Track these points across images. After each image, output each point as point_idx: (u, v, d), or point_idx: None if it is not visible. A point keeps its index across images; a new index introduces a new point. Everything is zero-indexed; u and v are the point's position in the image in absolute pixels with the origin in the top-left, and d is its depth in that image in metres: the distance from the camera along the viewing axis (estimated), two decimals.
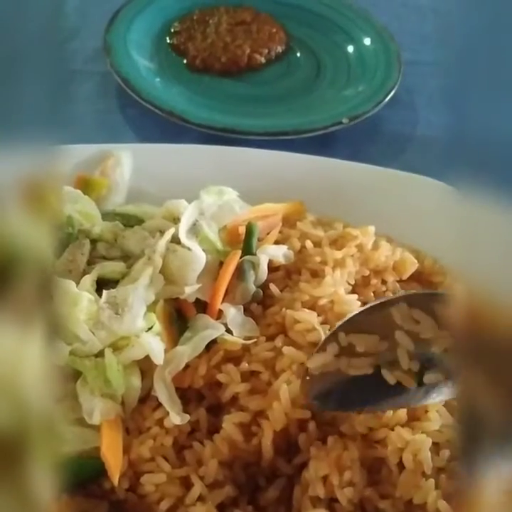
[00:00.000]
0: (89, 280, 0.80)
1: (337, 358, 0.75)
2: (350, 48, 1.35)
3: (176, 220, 0.90)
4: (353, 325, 0.75)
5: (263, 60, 1.33)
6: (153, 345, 0.75)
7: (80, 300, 0.75)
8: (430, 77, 1.39)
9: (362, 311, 0.77)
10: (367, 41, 1.35)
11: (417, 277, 0.95)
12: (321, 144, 1.20)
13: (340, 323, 0.76)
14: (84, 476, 0.72)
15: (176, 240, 0.85)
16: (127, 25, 1.33)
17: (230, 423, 0.75)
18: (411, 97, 1.35)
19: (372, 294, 0.91)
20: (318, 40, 1.38)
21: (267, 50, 1.34)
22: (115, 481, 0.69)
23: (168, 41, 1.35)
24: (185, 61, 1.32)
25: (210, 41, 1.34)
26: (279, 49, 1.36)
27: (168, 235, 0.83)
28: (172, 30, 1.37)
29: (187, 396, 0.78)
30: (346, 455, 0.72)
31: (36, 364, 0.52)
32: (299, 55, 1.36)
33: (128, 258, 0.88)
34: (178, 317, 0.82)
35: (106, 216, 0.94)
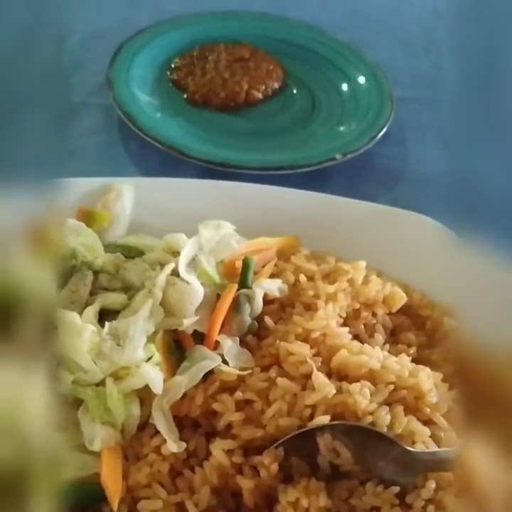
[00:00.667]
0: (91, 311, 0.84)
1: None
2: (345, 86, 1.40)
3: (175, 253, 0.94)
4: (289, 446, 0.78)
5: (260, 95, 1.38)
6: (153, 375, 0.79)
7: (84, 331, 0.79)
8: (421, 114, 1.44)
9: (294, 436, 0.79)
10: (361, 79, 1.40)
11: (405, 311, 0.99)
12: (316, 178, 1.24)
13: (278, 443, 0.79)
14: (84, 501, 0.75)
15: (175, 273, 0.89)
16: (129, 61, 1.37)
17: (219, 450, 0.79)
18: (402, 133, 1.39)
19: (362, 327, 0.95)
20: (313, 77, 1.42)
21: (264, 87, 1.39)
22: (115, 506, 0.73)
23: (169, 76, 1.40)
24: (185, 96, 1.36)
25: (209, 77, 1.38)
26: (276, 85, 1.40)
27: (168, 269, 0.87)
28: (173, 65, 1.41)
29: (183, 423, 0.81)
30: (313, 483, 0.76)
31: (38, 400, 0.55)
32: (294, 91, 1.41)
33: (129, 289, 0.92)
34: (176, 347, 0.86)
35: (107, 247, 0.98)
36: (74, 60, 1.44)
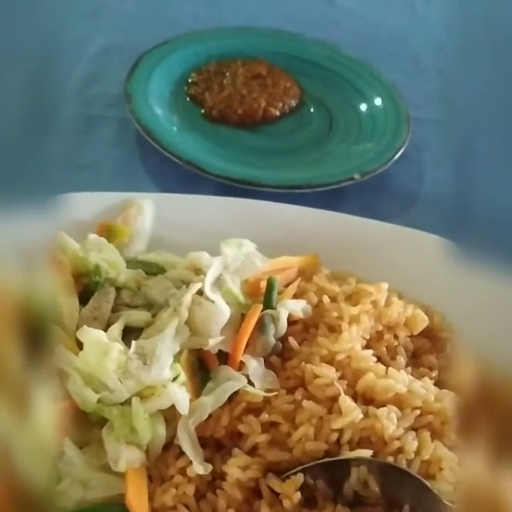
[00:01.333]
0: (117, 330, 0.83)
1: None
2: (362, 106, 1.40)
3: (197, 271, 0.94)
4: (317, 469, 0.78)
5: (278, 113, 1.38)
6: (179, 395, 0.78)
7: (111, 350, 0.78)
8: (437, 135, 1.44)
9: (328, 462, 0.78)
10: (377, 100, 1.40)
11: (426, 333, 0.99)
12: (332, 197, 1.24)
13: (307, 465, 0.78)
14: None
15: (200, 292, 0.88)
16: (147, 75, 1.37)
17: (234, 467, 0.78)
18: (418, 154, 1.39)
19: (384, 349, 0.94)
20: (330, 96, 1.43)
21: (281, 104, 1.39)
22: None
23: (186, 91, 1.40)
24: (202, 111, 1.36)
25: (227, 93, 1.38)
26: (293, 103, 1.40)
27: (194, 288, 0.86)
28: (190, 80, 1.41)
29: (208, 444, 0.80)
30: (339, 509, 0.76)
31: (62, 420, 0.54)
32: (312, 110, 1.41)
33: (151, 306, 0.91)
34: (200, 367, 0.85)
35: (128, 263, 0.97)
36: (92, 72, 1.45)
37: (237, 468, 0.77)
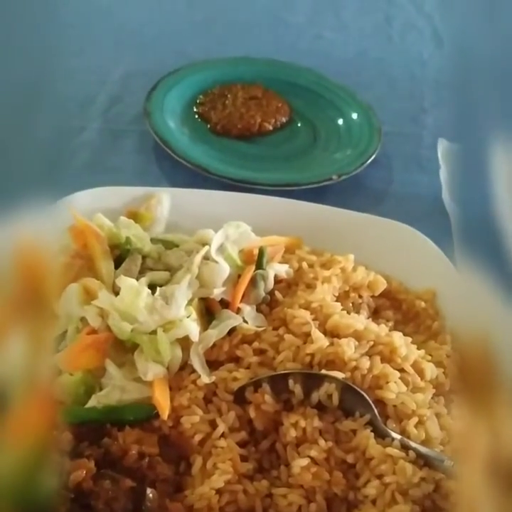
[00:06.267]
0: (144, 282, 1.10)
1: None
2: (341, 121, 1.69)
3: (204, 244, 1.20)
4: (298, 376, 1.02)
5: (271, 127, 1.66)
6: (192, 327, 1.04)
7: (141, 292, 1.04)
8: (404, 146, 1.72)
9: (309, 373, 1.03)
10: (354, 116, 1.69)
11: (386, 294, 1.25)
12: (315, 195, 1.49)
13: (294, 370, 1.03)
14: (141, 416, 0.99)
15: (206, 257, 1.15)
16: (163, 96, 1.65)
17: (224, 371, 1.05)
18: (388, 161, 1.66)
19: (350, 305, 1.21)
20: (315, 113, 1.71)
21: (274, 120, 1.67)
22: (165, 416, 0.97)
23: (195, 110, 1.68)
24: (208, 126, 1.65)
25: (228, 111, 1.67)
26: (284, 119, 1.69)
27: (203, 251, 1.13)
28: (198, 101, 1.70)
29: (213, 365, 1.06)
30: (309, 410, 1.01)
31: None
32: (299, 124, 1.70)
33: (169, 270, 1.18)
34: (207, 312, 1.12)
35: (151, 241, 1.24)
36: (114, 95, 1.73)
37: (226, 372, 1.03)
